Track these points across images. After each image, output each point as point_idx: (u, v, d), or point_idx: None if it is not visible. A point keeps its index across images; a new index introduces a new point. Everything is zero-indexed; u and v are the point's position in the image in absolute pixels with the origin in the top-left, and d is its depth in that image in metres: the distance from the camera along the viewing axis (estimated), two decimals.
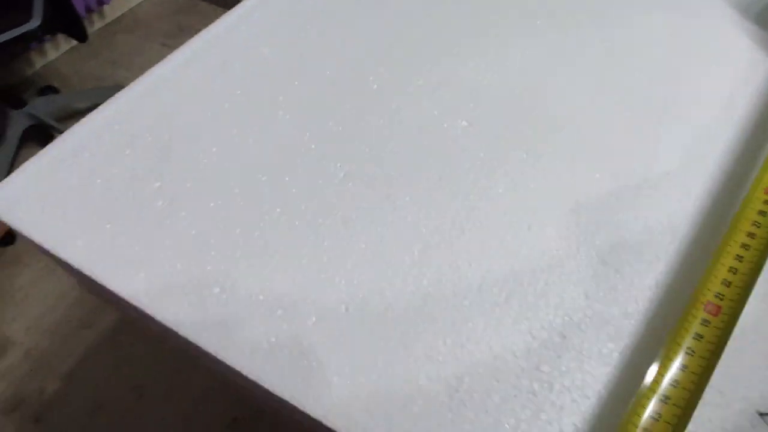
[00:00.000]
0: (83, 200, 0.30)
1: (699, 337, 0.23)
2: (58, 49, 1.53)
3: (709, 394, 0.22)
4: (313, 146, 0.32)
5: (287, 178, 0.31)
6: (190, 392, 0.95)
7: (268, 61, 0.38)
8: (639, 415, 0.21)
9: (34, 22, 1.00)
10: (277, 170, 0.31)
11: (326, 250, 0.28)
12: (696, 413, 0.21)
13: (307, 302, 0.26)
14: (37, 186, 0.31)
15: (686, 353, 0.23)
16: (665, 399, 0.22)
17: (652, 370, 0.23)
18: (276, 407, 0.25)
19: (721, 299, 0.25)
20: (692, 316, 0.24)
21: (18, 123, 1.21)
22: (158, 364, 0.99)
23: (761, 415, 0.22)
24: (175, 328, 0.25)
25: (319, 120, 0.34)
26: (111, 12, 1.62)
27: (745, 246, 0.27)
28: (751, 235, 0.27)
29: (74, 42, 1.54)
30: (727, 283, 0.25)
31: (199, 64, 0.38)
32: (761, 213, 0.28)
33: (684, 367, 0.23)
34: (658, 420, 0.21)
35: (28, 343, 1.02)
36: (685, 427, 0.21)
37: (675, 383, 0.22)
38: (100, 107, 0.35)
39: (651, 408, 0.22)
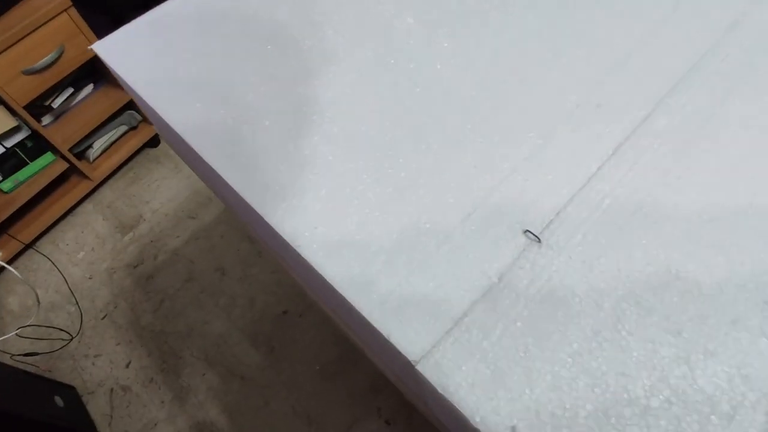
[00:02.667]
0: (166, 59, 0.45)
1: None
2: None
3: None
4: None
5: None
6: (259, 281, 1.15)
7: None
8: None
9: None
10: (287, 42, 0.43)
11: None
12: None
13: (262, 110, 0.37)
14: (134, 43, 0.46)
15: None
16: None
17: None
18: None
19: None
20: None
21: None
22: (241, 255, 1.20)
23: (525, 231, 0.28)
24: (188, 141, 0.38)
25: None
26: None
27: None
28: None
29: None
30: None
31: None
32: None
33: None
34: None
35: (152, 221, 1.31)
36: None
37: None
38: None
39: None
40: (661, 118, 0.35)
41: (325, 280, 0.31)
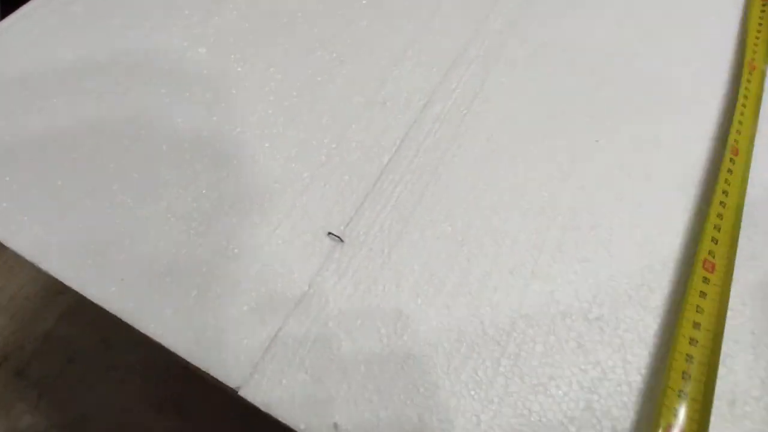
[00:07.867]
0: None
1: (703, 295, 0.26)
2: None
3: None
4: None
5: None
6: (152, 341, 1.07)
7: None
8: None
9: None
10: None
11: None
12: None
13: None
14: None
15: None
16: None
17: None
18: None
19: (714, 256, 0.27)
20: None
21: None
22: (122, 321, 1.11)
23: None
24: None
25: None
26: None
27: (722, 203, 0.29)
28: (725, 192, 0.29)
29: None
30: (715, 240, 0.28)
31: None
32: (729, 171, 0.30)
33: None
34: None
35: (11, 308, 1.16)
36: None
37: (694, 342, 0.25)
38: None
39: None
40: (437, 104, 0.38)
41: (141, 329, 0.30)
